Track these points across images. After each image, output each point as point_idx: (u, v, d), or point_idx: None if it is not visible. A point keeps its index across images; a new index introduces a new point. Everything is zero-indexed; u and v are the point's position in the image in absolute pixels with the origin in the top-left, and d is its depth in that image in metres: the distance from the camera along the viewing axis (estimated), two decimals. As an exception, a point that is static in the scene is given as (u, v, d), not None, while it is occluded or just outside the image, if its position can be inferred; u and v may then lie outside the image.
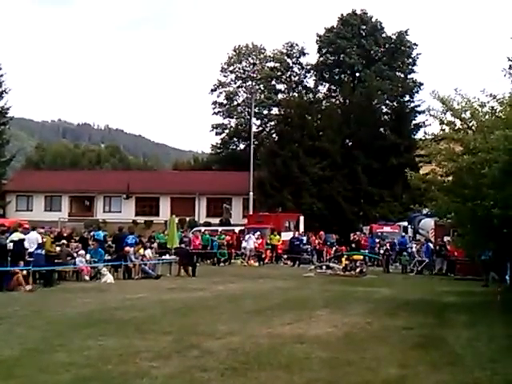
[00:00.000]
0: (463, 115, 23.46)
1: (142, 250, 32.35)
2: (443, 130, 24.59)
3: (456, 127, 23.92)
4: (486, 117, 22.77)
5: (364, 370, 10.89)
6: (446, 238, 36.12)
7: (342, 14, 75.55)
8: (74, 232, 37.24)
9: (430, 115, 25.09)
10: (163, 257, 34.79)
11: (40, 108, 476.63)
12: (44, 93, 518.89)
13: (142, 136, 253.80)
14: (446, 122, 24.33)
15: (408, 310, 20.01)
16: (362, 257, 39.01)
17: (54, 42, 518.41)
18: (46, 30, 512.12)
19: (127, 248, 31.12)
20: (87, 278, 28.78)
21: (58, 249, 28.07)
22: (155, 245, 36.79)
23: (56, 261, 27.31)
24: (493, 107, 22.90)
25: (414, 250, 39.71)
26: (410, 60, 75.11)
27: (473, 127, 23.26)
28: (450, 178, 23.57)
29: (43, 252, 26.56)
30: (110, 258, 31.56)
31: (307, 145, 62.67)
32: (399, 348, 13.00)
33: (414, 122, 69.21)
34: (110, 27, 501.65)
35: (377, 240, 44.86)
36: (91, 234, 41.47)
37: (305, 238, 46.20)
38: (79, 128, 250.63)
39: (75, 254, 29.41)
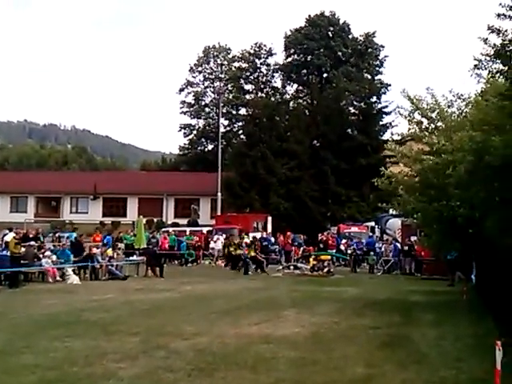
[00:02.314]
0: (431, 115, 23.72)
1: (109, 251, 32.25)
2: (410, 130, 24.84)
3: (423, 126, 24.17)
4: (453, 117, 23.04)
5: (331, 369, 10.94)
6: (412, 238, 36.33)
7: (309, 15, 75.66)
8: (38, 233, 36.96)
9: (400, 114, 25.36)
10: (130, 257, 34.66)
11: (5, 108, 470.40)
12: (10, 92, 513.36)
13: (109, 137, 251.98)
14: (413, 121, 24.59)
15: (375, 309, 20.14)
16: (329, 257, 39.10)
17: (19, 41, 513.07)
18: (10, 28, 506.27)
19: (94, 249, 31.00)
20: (52, 279, 28.49)
21: (22, 250, 27.79)
22: (122, 245, 36.73)
23: (22, 262, 27.06)
24: (460, 107, 23.20)
25: (382, 249, 39.89)
26: (378, 61, 75.37)
27: (440, 127, 23.50)
28: (417, 179, 23.76)
29: (8, 253, 26.34)
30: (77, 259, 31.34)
31: (275, 145, 62.70)
32: (366, 347, 13.08)
33: (381, 122, 69.59)
34: (77, 27, 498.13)
35: (344, 240, 44.99)
36: (57, 235, 41.38)
37: (273, 239, 46.28)
38: (45, 128, 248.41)
39: (41, 256, 29.19)
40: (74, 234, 36.60)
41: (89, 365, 10.95)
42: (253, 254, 36.16)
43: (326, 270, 35.51)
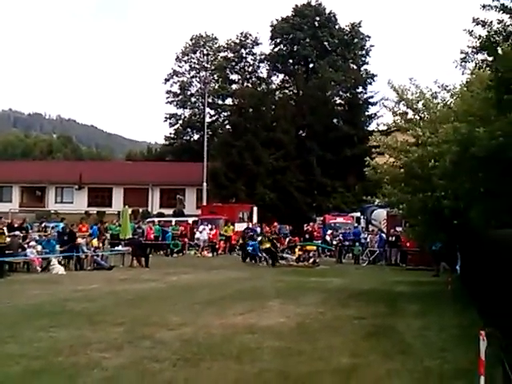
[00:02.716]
0: (416, 106, 23.82)
1: (94, 241, 32.17)
2: (395, 122, 24.95)
3: (408, 117, 24.27)
4: (438, 108, 23.14)
5: (316, 359, 10.96)
6: (398, 229, 36.39)
7: (296, 5, 75.54)
8: (24, 222, 36.85)
9: (384, 106, 25.49)
10: (116, 248, 34.59)
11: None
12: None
13: (94, 126, 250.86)
14: (398, 113, 24.69)
15: (360, 299, 20.19)
16: (315, 247, 39.17)
17: (2, 30, 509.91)
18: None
19: (79, 239, 30.89)
20: (39, 269, 28.36)
21: (7, 239, 27.66)
22: (107, 235, 36.69)
23: (6, 252, 26.93)
24: (444, 98, 23.30)
25: (367, 240, 39.94)
26: (363, 51, 75.49)
27: (425, 118, 23.60)
28: (402, 170, 23.85)
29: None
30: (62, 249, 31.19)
31: (262, 135, 62.65)
32: (351, 338, 13.12)
33: (367, 113, 69.77)
34: (63, 15, 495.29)
35: (330, 231, 45.05)
36: (42, 225, 41.19)
37: (258, 229, 46.29)
38: (30, 117, 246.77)
39: (26, 246, 29.07)
40: (61, 224, 36.43)
41: (73, 354, 10.92)
42: (268, 245, 35.91)
43: (311, 260, 35.57)
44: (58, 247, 30.64)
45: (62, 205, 67.52)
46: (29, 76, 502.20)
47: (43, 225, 42.26)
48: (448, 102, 23.19)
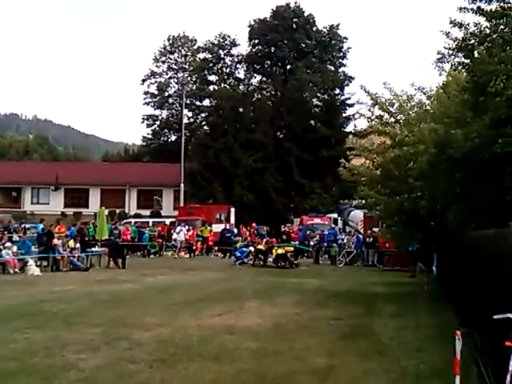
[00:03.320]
0: (391, 109, 23.93)
1: (71, 243, 31.98)
2: (371, 126, 25.10)
3: (384, 120, 24.39)
4: (414, 110, 23.27)
5: (293, 359, 10.98)
6: (375, 230, 36.53)
7: (276, 6, 75.49)
8: (1, 223, 36.62)
9: (359, 114, 25.69)
10: (92, 249, 34.39)
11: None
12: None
13: (71, 127, 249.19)
14: (373, 117, 24.81)
15: (337, 300, 20.23)
16: (292, 248, 39.15)
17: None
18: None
19: (55, 240, 30.70)
20: (12, 271, 28.11)
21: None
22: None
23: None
24: (420, 100, 23.44)
25: (345, 241, 40.05)
26: (341, 53, 75.68)
27: (400, 121, 23.72)
28: (378, 172, 23.97)
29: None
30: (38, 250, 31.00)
31: (240, 136, 62.69)
32: (328, 338, 13.15)
33: (344, 114, 70.07)
34: (38, 14, 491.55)
35: (307, 232, 45.11)
36: (22, 226, 40.92)
37: (236, 230, 46.29)
38: (6, 118, 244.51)
39: (1, 247, 28.85)
40: (41, 225, 36.17)
41: (49, 356, 10.87)
42: (280, 251, 35.65)
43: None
44: (34, 248, 30.46)
45: (38, 206, 67.09)
46: (4, 76, 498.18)
47: (23, 226, 42.02)
48: (423, 104, 23.35)
